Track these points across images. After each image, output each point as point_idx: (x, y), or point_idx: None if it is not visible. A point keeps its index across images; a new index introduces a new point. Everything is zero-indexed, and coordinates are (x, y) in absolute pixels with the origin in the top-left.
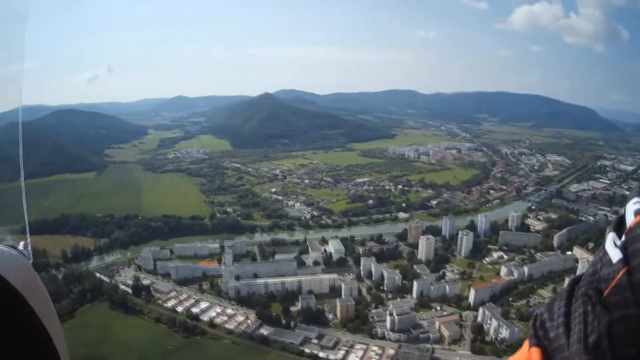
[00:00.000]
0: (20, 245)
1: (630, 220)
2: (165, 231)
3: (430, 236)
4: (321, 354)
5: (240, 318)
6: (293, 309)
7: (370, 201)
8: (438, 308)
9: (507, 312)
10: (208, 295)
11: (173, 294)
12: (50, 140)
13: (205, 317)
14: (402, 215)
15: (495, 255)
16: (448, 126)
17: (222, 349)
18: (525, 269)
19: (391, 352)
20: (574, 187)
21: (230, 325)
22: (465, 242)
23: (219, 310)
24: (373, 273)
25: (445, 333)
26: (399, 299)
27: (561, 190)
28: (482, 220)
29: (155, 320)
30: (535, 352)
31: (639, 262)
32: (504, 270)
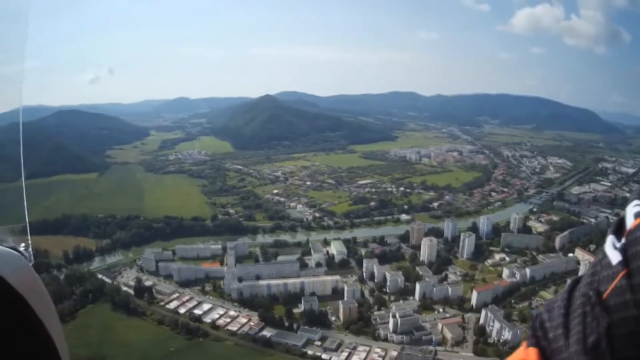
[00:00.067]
0: (21, 246)
1: (630, 222)
2: (167, 232)
3: (433, 238)
4: (324, 356)
5: (243, 320)
6: (296, 310)
7: (372, 203)
8: (440, 310)
9: (509, 314)
10: (210, 297)
11: (175, 295)
12: (51, 141)
13: (207, 319)
14: (404, 217)
15: (497, 257)
16: (449, 128)
17: (224, 351)
18: (528, 270)
19: (394, 354)
20: (575, 190)
21: (233, 327)
22: (467, 244)
23: (221, 312)
24: (375, 275)
25: (448, 335)
26: (401, 301)
27: (562, 192)
28: (484, 222)
29: (158, 322)
30: (533, 353)
31: (639, 264)
32: (506, 272)
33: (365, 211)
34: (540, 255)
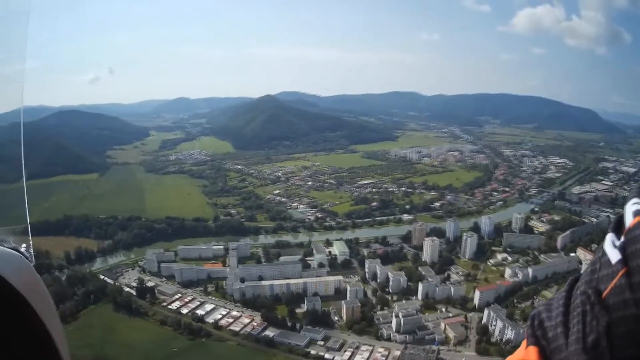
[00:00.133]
0: (22, 247)
1: (629, 221)
2: (169, 233)
3: (435, 238)
4: (327, 356)
5: (246, 320)
6: (299, 311)
7: (374, 203)
8: (443, 309)
9: (511, 314)
10: (213, 298)
11: (178, 296)
12: (52, 141)
13: (210, 319)
14: (405, 217)
15: (499, 256)
16: (450, 128)
17: (227, 351)
18: (530, 270)
19: (397, 353)
20: (577, 189)
21: (236, 327)
22: (469, 244)
23: (224, 312)
24: (378, 275)
25: (451, 334)
26: (404, 301)
27: (564, 192)
28: (485, 222)
29: (160, 323)
30: (533, 351)
31: (638, 263)
32: (508, 271)
33: (367, 211)
34: (542, 255)
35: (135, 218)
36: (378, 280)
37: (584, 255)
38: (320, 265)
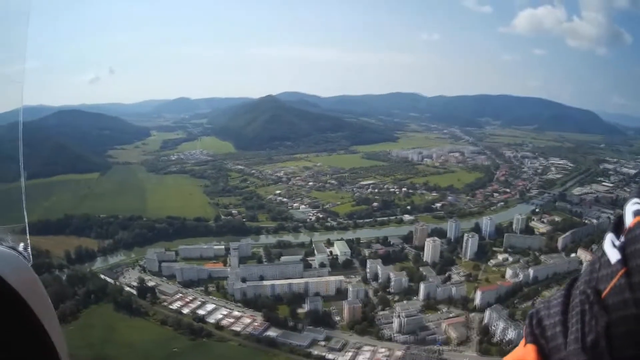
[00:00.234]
0: (20, 247)
1: (629, 221)
2: (170, 232)
3: (436, 238)
4: (329, 356)
5: (247, 320)
6: (300, 311)
7: (375, 204)
8: (444, 310)
9: (513, 314)
10: (214, 298)
11: (178, 295)
12: (52, 141)
13: (211, 319)
14: (407, 217)
15: (500, 257)
16: (451, 129)
17: (229, 351)
18: (531, 271)
19: (399, 353)
20: (577, 190)
21: (237, 328)
22: (470, 244)
23: (225, 312)
24: (379, 275)
25: (452, 335)
26: (405, 301)
27: (564, 193)
28: (486, 223)
29: (161, 322)
30: (531, 349)
31: (638, 263)
32: (509, 272)
33: (368, 212)
34: (542, 256)
35: (136, 217)
36: (379, 281)
37: (584, 256)
38: (322, 265)
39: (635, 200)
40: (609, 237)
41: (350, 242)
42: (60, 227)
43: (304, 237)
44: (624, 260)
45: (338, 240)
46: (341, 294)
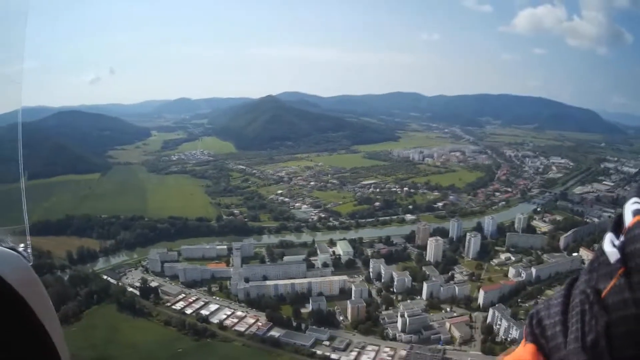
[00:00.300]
0: (21, 247)
1: (628, 220)
2: (172, 233)
3: (439, 238)
4: (333, 356)
5: (251, 320)
6: (303, 311)
7: (377, 203)
8: (448, 309)
9: (516, 313)
10: (217, 298)
11: (182, 296)
12: (52, 142)
13: (215, 320)
14: (409, 217)
15: (502, 256)
16: (451, 129)
17: (233, 351)
18: (533, 270)
19: (403, 353)
20: (578, 190)
21: (241, 328)
22: (473, 243)
23: (228, 312)
24: (382, 275)
25: (456, 334)
26: (409, 301)
27: (565, 192)
28: (488, 222)
29: (164, 323)
30: (530, 348)
31: (638, 262)
32: (512, 271)
33: (370, 211)
34: (545, 255)
35: (137, 218)
36: (382, 280)
37: (586, 255)
38: (325, 265)
39: (635, 199)
40: (609, 237)
41: (352, 242)
42: (62, 227)
43: (306, 237)
44: (624, 260)
45: (340, 240)
46: (344, 293)
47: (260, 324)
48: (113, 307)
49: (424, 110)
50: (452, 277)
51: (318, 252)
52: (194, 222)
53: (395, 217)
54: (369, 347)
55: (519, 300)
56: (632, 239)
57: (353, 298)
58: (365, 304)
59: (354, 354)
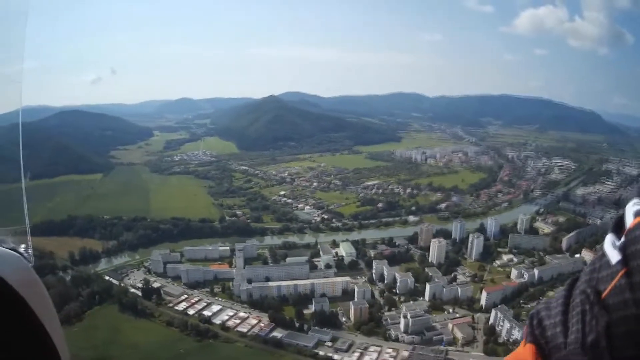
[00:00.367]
0: (21, 248)
1: (629, 221)
2: (175, 234)
3: (442, 239)
4: (336, 357)
5: (253, 321)
6: (306, 312)
7: (380, 204)
8: (450, 310)
9: (518, 314)
10: (220, 299)
11: (184, 297)
12: (54, 141)
13: (217, 320)
14: (412, 218)
15: (505, 258)
16: (453, 129)
17: (235, 352)
18: (536, 271)
19: (405, 354)
20: (581, 190)
21: (243, 329)
22: (475, 245)
23: (231, 313)
24: (385, 276)
25: (459, 335)
26: (411, 302)
27: (568, 193)
28: (491, 223)
29: (167, 324)
30: (530, 349)
31: (638, 263)
32: (514, 272)
33: (373, 212)
34: (547, 256)
35: (140, 218)
36: (385, 281)
37: (589, 256)
38: (327, 266)
39: (636, 200)
40: (610, 238)
41: (355, 243)
42: (64, 228)
43: (309, 238)
44: (625, 261)
45: (343, 241)
46: (347, 294)
47: (262, 324)
48: (115, 308)
49: (425, 111)
50: (454, 278)
51: (321, 253)
52: (196, 223)
53: (398, 218)
54: (372, 348)
55: (522, 301)
56: (633, 240)
57: (356, 299)
58: (367, 305)
59: (356, 355)
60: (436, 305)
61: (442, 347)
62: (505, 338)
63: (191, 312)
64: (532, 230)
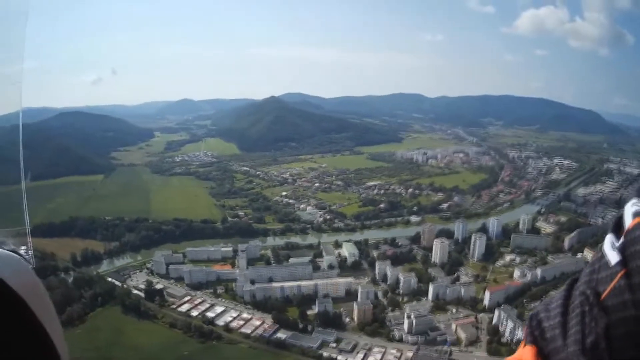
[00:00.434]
0: (22, 249)
1: (628, 221)
2: (177, 235)
3: (444, 239)
4: (340, 357)
5: (257, 322)
6: (310, 312)
7: (382, 205)
8: (454, 310)
9: (522, 314)
10: (223, 300)
11: (187, 298)
12: (55, 143)
13: (220, 322)
14: (414, 218)
15: (507, 257)
16: (454, 130)
17: (239, 354)
18: (538, 271)
19: (409, 354)
20: (582, 190)
21: (247, 330)
22: (478, 245)
23: (234, 314)
24: (388, 276)
25: (462, 335)
26: (415, 302)
27: (569, 193)
28: (493, 224)
29: (170, 325)
30: (530, 350)
31: (638, 264)
32: (517, 272)
33: (375, 213)
34: (549, 256)
35: (142, 219)
36: (388, 282)
37: (590, 256)
38: (330, 266)
39: (635, 200)
40: (609, 238)
41: (358, 244)
42: (65, 229)
43: (311, 239)
44: (624, 262)
45: (346, 241)
46: (351, 295)
47: (266, 326)
48: (118, 310)
49: (426, 112)
50: (457, 278)
51: (324, 253)
52: (198, 224)
53: (400, 218)
54: (376, 349)
55: (525, 301)
56: (632, 241)
57: (359, 300)
58: (371, 306)
59: (360, 355)
60: (439, 305)
61: (446, 347)
62: (509, 338)
63: (194, 313)
64: (534, 230)
